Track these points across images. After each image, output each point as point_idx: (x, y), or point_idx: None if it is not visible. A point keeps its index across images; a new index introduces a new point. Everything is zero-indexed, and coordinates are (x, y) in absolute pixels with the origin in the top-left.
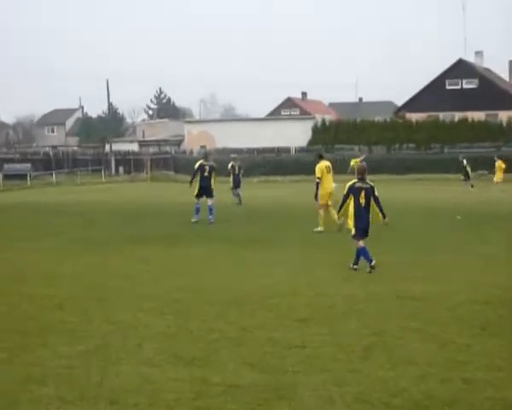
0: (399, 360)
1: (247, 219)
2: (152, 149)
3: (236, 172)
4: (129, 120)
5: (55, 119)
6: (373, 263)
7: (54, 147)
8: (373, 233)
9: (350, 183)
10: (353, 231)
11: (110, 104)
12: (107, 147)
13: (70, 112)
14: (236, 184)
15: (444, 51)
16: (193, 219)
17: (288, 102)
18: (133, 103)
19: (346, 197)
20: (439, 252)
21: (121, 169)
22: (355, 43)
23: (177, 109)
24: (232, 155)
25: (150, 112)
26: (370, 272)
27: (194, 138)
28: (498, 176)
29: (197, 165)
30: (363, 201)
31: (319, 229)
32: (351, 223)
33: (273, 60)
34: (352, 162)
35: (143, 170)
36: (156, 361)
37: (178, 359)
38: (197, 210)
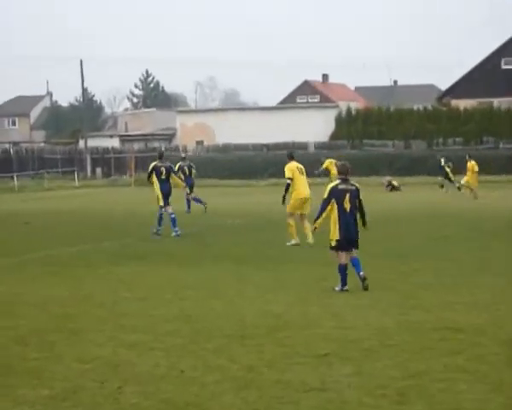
0: (441, 408)
1: (244, 230)
2: (137, 146)
3: (187, 173)
4: (108, 110)
5: (16, 108)
6: (346, 288)
7: (15, 143)
8: (404, 249)
9: (331, 184)
10: (333, 243)
11: (85, 90)
12: (82, 143)
13: (36, 100)
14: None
15: (499, 22)
16: (154, 230)
17: (306, 87)
18: (113, 89)
19: (326, 203)
20: (488, 272)
21: (99, 170)
22: (387, 12)
23: (167, 96)
24: (182, 155)
25: (135, 100)
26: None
27: (188, 132)
28: (469, 179)
29: (150, 167)
30: (348, 205)
31: (293, 242)
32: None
33: (286, 36)
34: (327, 163)
35: (126, 172)
36: (141, 408)
37: (169, 405)
38: (160, 219)
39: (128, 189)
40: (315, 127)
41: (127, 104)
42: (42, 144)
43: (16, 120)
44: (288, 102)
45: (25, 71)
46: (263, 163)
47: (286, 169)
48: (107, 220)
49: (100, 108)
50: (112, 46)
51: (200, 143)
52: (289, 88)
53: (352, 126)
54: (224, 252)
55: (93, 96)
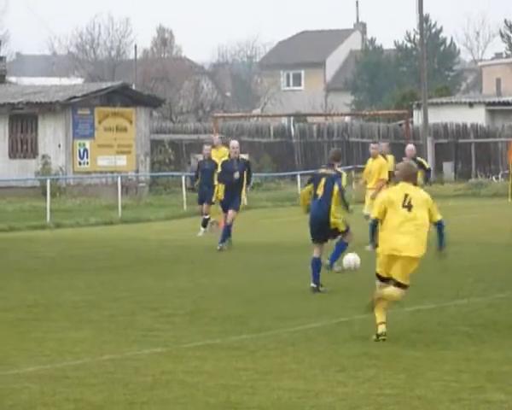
0: None
1: None
2: None
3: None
4: (466, 57)
5: (300, 53)
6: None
7: (299, 117)
8: None
9: None
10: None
11: (424, 18)
12: (417, 116)
13: (335, 38)
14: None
15: None
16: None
17: None
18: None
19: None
20: None
21: (448, 166)
22: None
23: None
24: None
25: None
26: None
27: None
28: None
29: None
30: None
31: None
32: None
33: None
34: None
35: (498, 169)
36: None
37: None
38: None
39: (502, 202)
40: None
41: (501, 47)
42: (346, 118)
43: (302, 74)
44: None
45: None
46: None
47: None
48: None
49: (451, 52)
50: None
51: None
52: None
53: None
54: None
55: (439, 29)
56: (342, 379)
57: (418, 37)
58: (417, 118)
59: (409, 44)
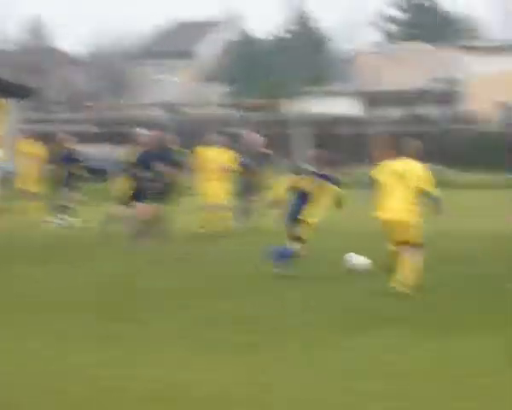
0: None
1: None
2: (396, 114)
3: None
4: (341, 46)
5: (173, 42)
6: None
7: (169, 106)
8: None
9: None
10: None
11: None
12: (288, 107)
13: (211, 27)
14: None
15: None
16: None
17: None
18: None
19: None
20: None
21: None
22: None
23: (448, 22)
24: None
25: (393, 28)
26: None
27: (485, 87)
28: None
29: None
30: None
31: None
32: None
33: None
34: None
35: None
36: None
37: None
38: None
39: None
40: None
41: (376, 36)
42: (223, 109)
43: (175, 64)
44: None
45: None
46: None
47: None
48: None
49: (325, 42)
50: None
51: (504, 105)
52: None
53: None
54: None
55: (314, 19)
56: None
57: (293, 27)
58: (291, 108)
59: (283, 34)
